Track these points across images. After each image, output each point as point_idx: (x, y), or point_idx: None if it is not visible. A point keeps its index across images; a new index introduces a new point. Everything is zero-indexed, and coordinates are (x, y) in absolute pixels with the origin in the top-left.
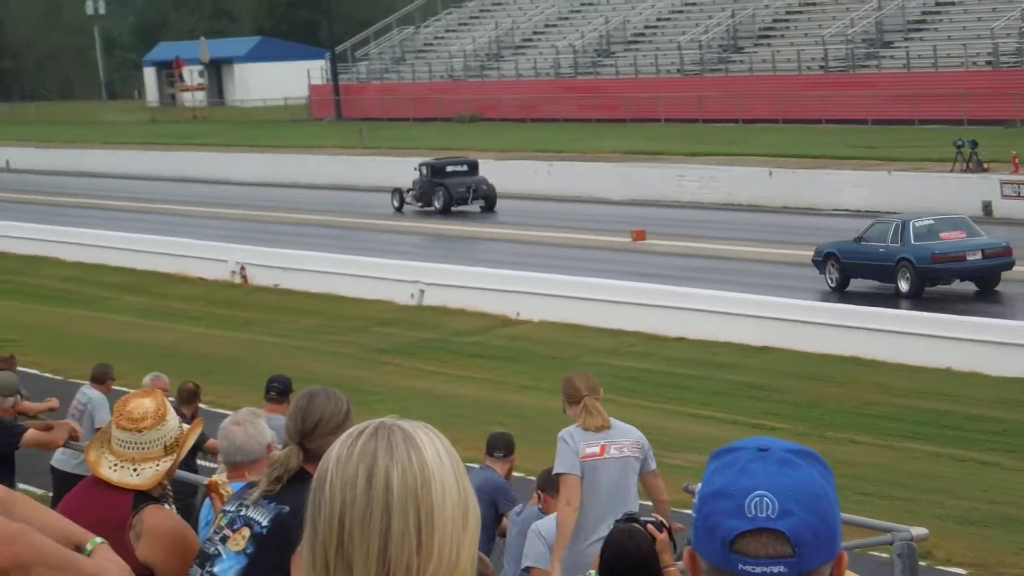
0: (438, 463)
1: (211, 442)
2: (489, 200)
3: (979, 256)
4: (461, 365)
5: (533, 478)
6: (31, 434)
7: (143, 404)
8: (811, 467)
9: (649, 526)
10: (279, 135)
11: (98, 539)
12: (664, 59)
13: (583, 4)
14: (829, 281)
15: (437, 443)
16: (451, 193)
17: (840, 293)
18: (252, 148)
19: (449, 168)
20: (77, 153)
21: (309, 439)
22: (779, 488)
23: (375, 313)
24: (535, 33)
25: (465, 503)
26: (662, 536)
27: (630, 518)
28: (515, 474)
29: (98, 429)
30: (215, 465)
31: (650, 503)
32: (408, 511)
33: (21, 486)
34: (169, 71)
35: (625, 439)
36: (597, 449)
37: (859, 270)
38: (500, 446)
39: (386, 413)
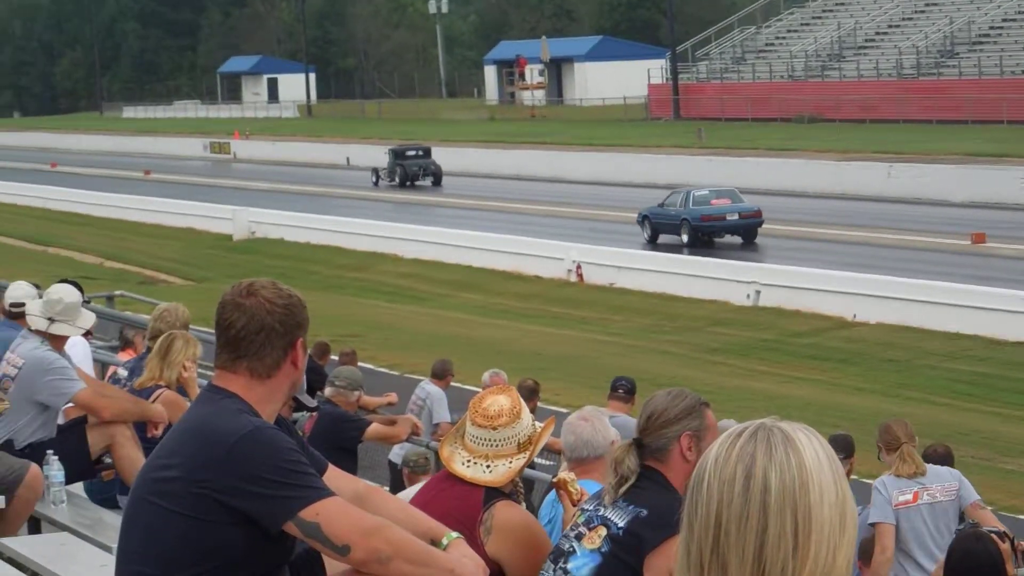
0: (817, 465)
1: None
2: (436, 177)
3: (736, 217)
4: (796, 366)
5: (869, 481)
6: (374, 428)
7: (498, 401)
8: None
9: (992, 535)
10: (617, 134)
11: (454, 533)
12: (1009, 60)
13: (927, 4)
14: (645, 236)
15: (816, 445)
16: (407, 171)
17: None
18: (590, 147)
19: (408, 152)
20: None
21: (645, 435)
22: None
23: (710, 313)
24: (877, 33)
25: (843, 506)
26: (1005, 546)
27: (973, 526)
28: (851, 476)
29: (436, 424)
30: (548, 463)
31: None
32: (785, 512)
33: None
34: (509, 69)
35: (938, 484)
36: (910, 496)
37: (661, 227)
38: (840, 448)
39: (717, 414)
